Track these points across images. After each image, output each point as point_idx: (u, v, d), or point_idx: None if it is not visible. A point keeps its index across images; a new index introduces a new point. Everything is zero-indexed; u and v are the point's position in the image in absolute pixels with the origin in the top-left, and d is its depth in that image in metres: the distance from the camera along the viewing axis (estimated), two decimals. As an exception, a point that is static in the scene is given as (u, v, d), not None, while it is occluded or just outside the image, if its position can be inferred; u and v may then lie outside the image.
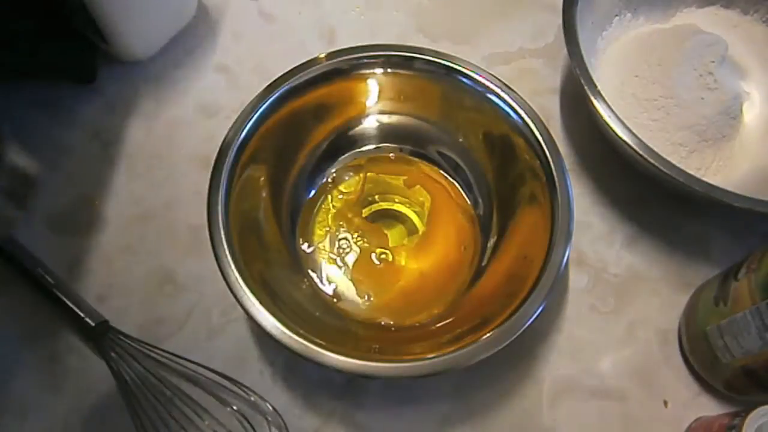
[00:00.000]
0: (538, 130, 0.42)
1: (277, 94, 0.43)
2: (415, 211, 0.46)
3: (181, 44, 0.53)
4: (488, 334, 0.36)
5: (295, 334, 0.36)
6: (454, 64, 0.45)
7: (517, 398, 0.42)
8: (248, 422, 0.39)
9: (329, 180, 0.47)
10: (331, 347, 0.36)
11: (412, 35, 0.54)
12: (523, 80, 0.52)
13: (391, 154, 0.48)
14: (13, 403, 0.41)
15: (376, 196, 0.47)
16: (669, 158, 0.41)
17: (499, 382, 0.42)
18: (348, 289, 0.44)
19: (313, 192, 0.46)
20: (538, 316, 0.37)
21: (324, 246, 0.45)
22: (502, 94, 0.44)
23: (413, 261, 0.44)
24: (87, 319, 0.42)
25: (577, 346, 0.44)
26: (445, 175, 0.47)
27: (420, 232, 0.46)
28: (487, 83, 0.44)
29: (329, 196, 0.46)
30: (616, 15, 0.52)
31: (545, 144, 0.42)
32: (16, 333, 0.43)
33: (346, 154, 0.47)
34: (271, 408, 0.39)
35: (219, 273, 0.37)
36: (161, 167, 0.49)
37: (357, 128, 0.48)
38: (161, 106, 0.51)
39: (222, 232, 0.38)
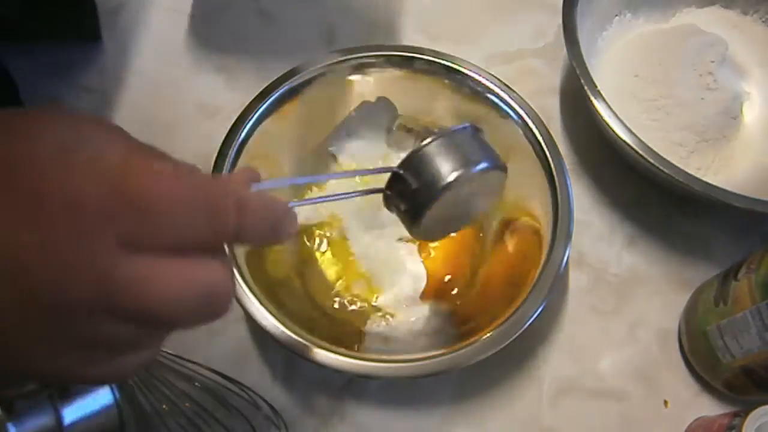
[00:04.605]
0: (538, 130, 0.43)
1: (276, 94, 0.43)
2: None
3: (181, 44, 0.53)
4: (488, 334, 0.36)
5: (295, 334, 0.36)
6: (454, 64, 0.45)
7: (517, 398, 0.42)
8: (248, 422, 0.39)
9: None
10: (331, 347, 0.36)
11: (412, 35, 0.54)
12: (523, 80, 0.52)
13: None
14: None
15: (376, 196, 0.47)
16: (669, 158, 0.41)
17: (499, 382, 0.42)
18: (348, 288, 0.44)
19: (313, 192, 0.46)
20: (538, 316, 0.37)
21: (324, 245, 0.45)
22: (502, 94, 0.44)
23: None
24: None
25: (577, 346, 0.44)
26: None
27: (420, 232, 0.46)
28: (487, 83, 0.44)
29: (329, 196, 0.46)
30: (616, 15, 0.52)
31: (545, 144, 0.42)
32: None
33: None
34: (271, 408, 0.39)
35: (219, 273, 0.37)
36: (161, 167, 0.49)
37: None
38: (161, 106, 0.51)
39: (222, 233, 0.38)
